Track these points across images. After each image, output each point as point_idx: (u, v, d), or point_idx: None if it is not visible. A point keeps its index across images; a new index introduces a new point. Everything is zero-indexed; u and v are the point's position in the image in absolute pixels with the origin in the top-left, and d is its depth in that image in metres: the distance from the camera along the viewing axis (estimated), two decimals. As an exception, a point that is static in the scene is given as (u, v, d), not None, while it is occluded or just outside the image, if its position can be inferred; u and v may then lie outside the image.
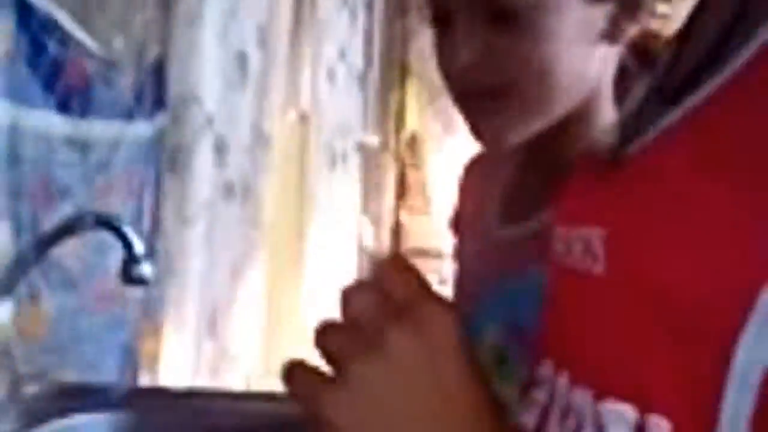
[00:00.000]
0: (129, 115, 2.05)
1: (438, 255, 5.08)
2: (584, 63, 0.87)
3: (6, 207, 1.48)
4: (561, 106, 0.88)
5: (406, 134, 5.46)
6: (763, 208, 0.47)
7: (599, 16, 0.87)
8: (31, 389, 1.25)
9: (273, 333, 3.26)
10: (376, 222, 4.93)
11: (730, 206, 0.48)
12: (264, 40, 2.85)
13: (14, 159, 1.58)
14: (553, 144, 0.89)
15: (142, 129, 2.12)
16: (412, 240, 5.45)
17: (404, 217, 5.51)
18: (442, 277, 4.82)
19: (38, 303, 1.63)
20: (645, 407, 0.52)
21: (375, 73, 4.73)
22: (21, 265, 1.24)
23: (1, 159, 1.53)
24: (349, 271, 4.39)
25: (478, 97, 0.87)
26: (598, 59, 0.88)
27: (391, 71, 5.13)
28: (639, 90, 0.80)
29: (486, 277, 0.92)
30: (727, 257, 0.48)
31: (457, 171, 1.06)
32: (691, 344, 0.50)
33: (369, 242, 4.75)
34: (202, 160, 2.41)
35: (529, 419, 0.64)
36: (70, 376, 1.59)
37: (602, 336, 0.66)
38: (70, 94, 1.76)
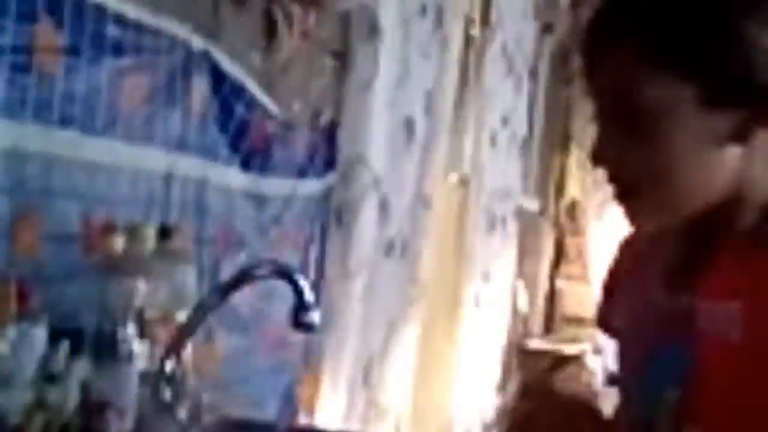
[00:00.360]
0: (302, 173, 2.20)
1: (594, 323, 5.04)
2: (711, 165, 0.87)
3: (193, 253, 1.64)
4: (688, 206, 0.89)
5: (566, 201, 5.47)
6: None
7: (723, 122, 0.85)
8: (205, 419, 1.38)
9: (423, 387, 3.33)
10: (532, 286, 4.95)
11: None
12: (430, 107, 2.98)
13: (202, 210, 1.74)
14: (707, 225, 0.91)
15: (312, 186, 2.27)
16: (567, 306, 5.42)
17: (561, 283, 5.48)
18: (597, 345, 4.77)
19: (213, 343, 1.78)
20: None
21: (537, 140, 4.79)
22: (205, 308, 1.38)
23: (190, 209, 1.70)
24: (501, 333, 4.42)
25: (615, 189, 0.91)
26: (731, 157, 0.87)
27: (553, 138, 5.18)
28: None
29: (653, 343, 0.94)
30: None
31: (616, 239, 1.08)
32: None
33: (523, 306, 4.77)
34: (367, 218, 2.53)
35: None
36: (237, 411, 1.72)
37: (741, 395, 0.80)
38: (252, 153, 1.92)
